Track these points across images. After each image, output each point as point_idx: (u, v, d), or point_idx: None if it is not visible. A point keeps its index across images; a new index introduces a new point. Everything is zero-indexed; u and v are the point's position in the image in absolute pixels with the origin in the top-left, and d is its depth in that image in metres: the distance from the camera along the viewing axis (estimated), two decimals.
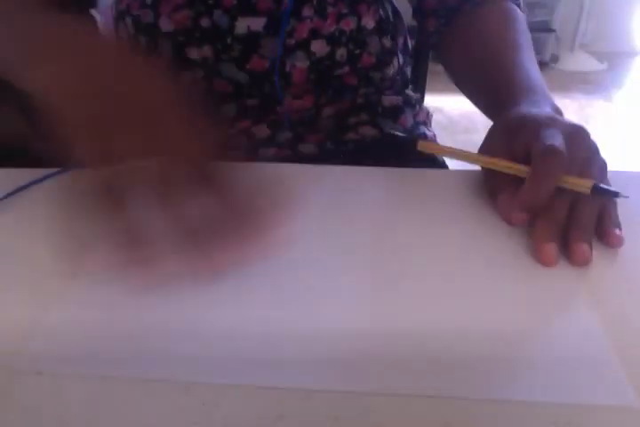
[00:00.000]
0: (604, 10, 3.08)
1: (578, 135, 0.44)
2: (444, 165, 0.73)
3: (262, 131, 0.66)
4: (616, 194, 0.42)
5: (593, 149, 0.44)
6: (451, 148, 0.48)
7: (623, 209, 0.43)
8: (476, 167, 0.49)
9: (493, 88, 0.56)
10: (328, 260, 0.39)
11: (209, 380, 0.30)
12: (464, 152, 0.47)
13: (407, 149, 0.64)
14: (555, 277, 0.38)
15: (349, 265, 0.39)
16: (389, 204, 0.46)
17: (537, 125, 0.44)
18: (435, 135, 0.77)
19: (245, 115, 0.66)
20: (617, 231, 0.41)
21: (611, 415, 0.29)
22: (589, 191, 0.41)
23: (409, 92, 0.76)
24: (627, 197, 0.42)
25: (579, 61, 3.04)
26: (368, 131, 0.69)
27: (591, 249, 0.40)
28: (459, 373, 0.31)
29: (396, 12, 0.70)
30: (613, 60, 3.09)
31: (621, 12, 3.12)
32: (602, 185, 0.41)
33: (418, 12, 0.68)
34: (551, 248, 0.39)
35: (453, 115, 2.41)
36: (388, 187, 0.49)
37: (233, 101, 0.65)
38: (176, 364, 0.31)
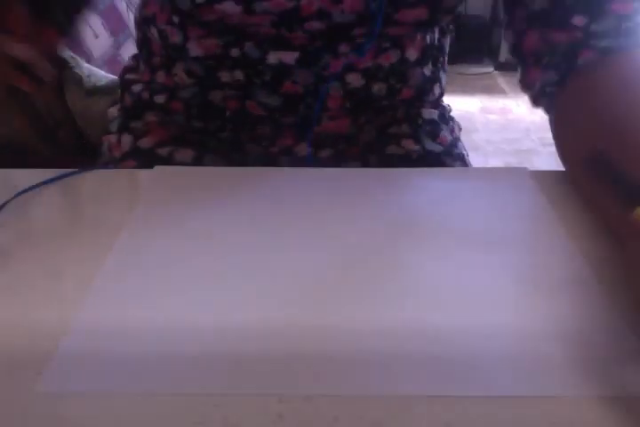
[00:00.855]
0: None
1: None
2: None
3: (303, 149, 0.65)
4: None
5: None
6: None
7: None
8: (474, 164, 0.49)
9: None
10: (328, 261, 0.40)
11: (210, 389, 0.30)
12: None
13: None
14: (557, 278, 0.38)
15: (350, 266, 0.39)
16: (389, 204, 0.46)
17: None
18: (467, 154, 0.70)
19: (283, 134, 0.65)
20: None
21: (610, 411, 0.29)
22: None
23: (444, 103, 0.74)
24: None
25: None
26: (410, 145, 0.68)
27: None
28: (459, 372, 0.31)
29: (443, 32, 0.67)
30: None
31: None
32: None
33: (514, 51, 0.55)
34: None
35: (453, 115, 2.41)
36: (387, 187, 0.49)
37: (268, 123, 0.64)
38: (176, 372, 0.31)
